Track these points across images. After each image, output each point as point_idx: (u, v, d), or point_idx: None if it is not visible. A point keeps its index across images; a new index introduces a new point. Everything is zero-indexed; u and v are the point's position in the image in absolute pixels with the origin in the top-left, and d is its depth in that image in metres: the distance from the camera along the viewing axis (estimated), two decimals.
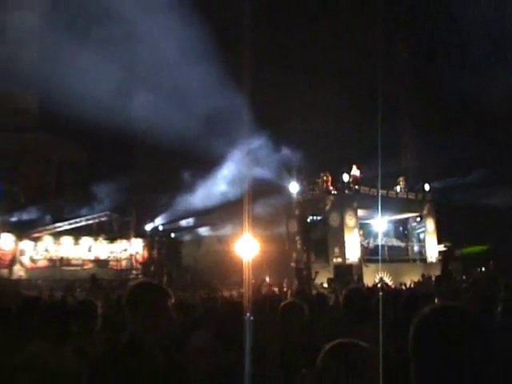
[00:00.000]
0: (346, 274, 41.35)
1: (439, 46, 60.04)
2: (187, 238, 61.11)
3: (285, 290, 33.87)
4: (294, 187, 50.28)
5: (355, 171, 47.96)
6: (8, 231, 56.94)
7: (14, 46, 63.86)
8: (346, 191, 48.05)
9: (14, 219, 59.26)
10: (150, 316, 4.66)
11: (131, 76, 57.03)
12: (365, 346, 3.65)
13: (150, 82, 58.16)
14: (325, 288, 34.38)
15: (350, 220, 47.54)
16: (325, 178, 48.65)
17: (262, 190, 46.45)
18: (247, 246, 29.43)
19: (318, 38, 57.67)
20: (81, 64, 53.05)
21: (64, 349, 6.13)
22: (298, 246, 49.51)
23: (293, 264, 48.55)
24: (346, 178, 48.11)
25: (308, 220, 49.30)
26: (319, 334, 6.64)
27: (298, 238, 49.94)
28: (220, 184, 54.87)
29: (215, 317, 5.21)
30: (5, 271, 55.87)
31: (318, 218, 49.56)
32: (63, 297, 20.00)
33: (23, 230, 57.51)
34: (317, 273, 39.35)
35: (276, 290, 34.48)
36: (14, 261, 56.66)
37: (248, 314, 6.24)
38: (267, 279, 39.59)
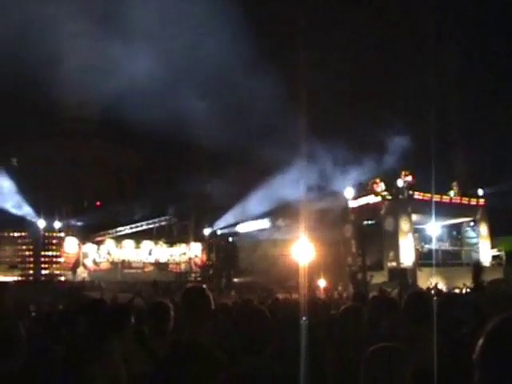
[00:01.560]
0: (400, 277, 41.58)
1: (492, 47, 59.79)
2: (244, 242, 61.56)
3: (340, 293, 34.62)
4: (349, 192, 50.55)
5: (408, 177, 48.18)
6: (72, 235, 58.44)
7: (74, 56, 65.39)
8: (401, 196, 48.26)
9: (77, 223, 60.60)
10: (202, 319, 5.06)
11: (189, 83, 57.94)
12: (406, 350, 3.79)
13: (208, 89, 58.99)
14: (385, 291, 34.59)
15: (404, 225, 47.73)
16: (379, 183, 48.92)
17: (317, 194, 46.96)
18: (303, 250, 30.09)
19: (369, 47, 58.12)
20: (138, 72, 54.14)
21: (136, 349, 6.32)
22: (353, 250, 49.90)
23: (348, 268, 48.99)
24: (400, 183, 48.29)
25: (363, 224, 49.68)
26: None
27: (353, 242, 50.28)
28: (276, 189, 55.21)
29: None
30: (69, 273, 57.38)
31: (373, 222, 49.79)
32: (132, 299, 20.79)
33: (86, 234, 58.93)
34: (372, 276, 39.80)
35: (331, 293, 35.20)
36: (77, 263, 58.14)
37: (304, 318, 6.65)
38: (322, 283, 40.05)
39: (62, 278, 55.58)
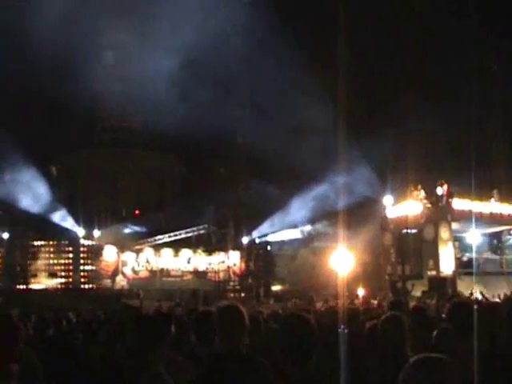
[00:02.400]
0: (440, 286, 41.24)
1: None
2: (283, 250, 61.52)
3: (379, 302, 34.40)
4: (388, 200, 50.29)
5: (444, 186, 47.74)
6: (111, 243, 58.83)
7: (115, 67, 66.02)
8: (440, 204, 47.88)
9: (116, 232, 61.02)
10: (235, 336, 5.05)
11: (229, 91, 58.18)
12: (450, 361, 3.63)
13: (247, 97, 59.17)
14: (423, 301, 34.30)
15: (444, 233, 47.33)
16: (419, 190, 48.58)
17: (356, 203, 46.77)
18: (342, 259, 29.98)
19: (409, 49, 57.81)
20: (179, 82, 54.48)
21: (180, 357, 6.25)
22: (393, 259, 49.59)
23: (387, 277, 48.72)
24: (439, 191, 47.93)
25: (402, 233, 49.38)
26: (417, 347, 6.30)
27: (392, 250, 49.99)
28: (315, 197, 55.12)
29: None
30: (108, 281, 57.76)
31: (413, 230, 49.45)
32: (173, 307, 20.82)
33: (125, 242, 59.29)
34: (413, 285, 39.55)
35: (370, 302, 35.00)
36: (116, 271, 58.48)
37: (342, 327, 6.44)
38: (361, 292, 39.83)
39: (101, 286, 55.89)
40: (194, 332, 6.83)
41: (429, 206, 48.05)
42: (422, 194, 48.56)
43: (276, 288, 58.25)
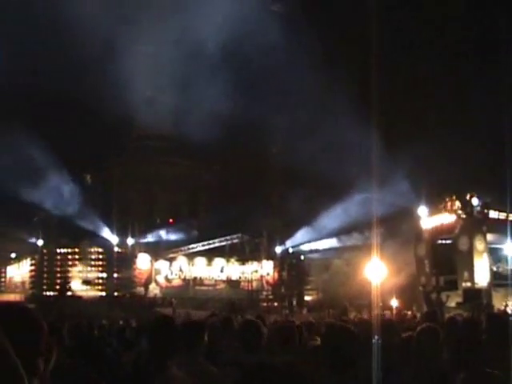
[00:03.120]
0: (475, 298, 40.88)
1: None
2: (316, 260, 61.36)
3: (413, 313, 34.14)
4: (422, 211, 50.00)
5: (473, 198, 47.30)
6: (144, 251, 59.09)
7: (152, 75, 66.32)
8: (476, 215, 47.49)
9: (150, 240, 61.28)
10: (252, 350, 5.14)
11: (265, 102, 58.22)
12: (499, 374, 3.68)
13: (284, 106, 59.17)
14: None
15: (479, 244, 46.87)
16: (454, 201, 48.26)
17: (390, 213, 46.51)
18: (375, 269, 29.79)
19: (445, 69, 57.57)
20: (215, 91, 54.66)
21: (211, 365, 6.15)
22: (427, 270, 49.24)
23: (421, 288, 48.37)
24: (475, 202, 47.56)
25: (437, 243, 49.02)
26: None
27: (426, 261, 49.64)
28: (349, 207, 54.94)
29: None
30: (141, 289, 57.95)
31: (447, 241, 49.09)
32: (209, 316, 20.66)
33: (159, 251, 59.50)
34: (448, 296, 39.26)
35: (405, 313, 34.74)
36: (149, 280, 58.67)
37: (376, 337, 6.32)
38: (395, 302, 39.60)
39: (134, 294, 56.05)
40: (238, 340, 6.75)
41: (464, 216, 47.68)
42: (457, 204, 48.21)
43: (309, 298, 58.11)
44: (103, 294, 56.29)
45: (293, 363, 4.90)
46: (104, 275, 57.85)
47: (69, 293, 55.73)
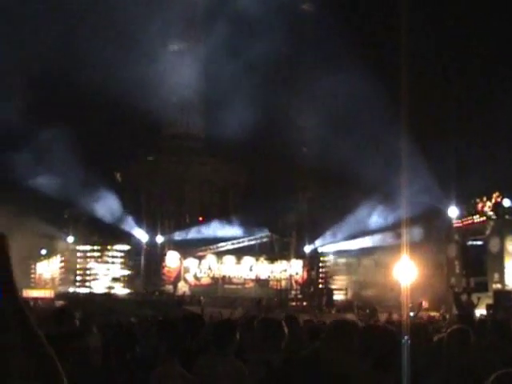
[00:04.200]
0: (505, 300, 40.45)
1: None
2: (345, 260, 61.20)
3: (442, 315, 33.89)
4: (452, 212, 49.63)
5: (498, 198, 46.87)
6: (174, 249, 59.22)
7: (183, 75, 66.54)
8: (507, 216, 47.04)
9: (179, 238, 61.44)
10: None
11: (294, 101, 58.16)
12: None
13: (313, 106, 59.04)
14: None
15: (510, 245, 46.42)
16: (485, 201, 47.84)
17: (420, 213, 46.22)
18: (405, 270, 29.61)
19: (479, 68, 57.24)
20: (244, 91, 54.73)
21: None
22: (457, 271, 48.85)
23: (451, 289, 47.97)
24: (506, 203, 47.11)
25: (467, 245, 48.62)
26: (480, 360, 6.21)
27: (456, 262, 49.25)
28: (378, 207, 54.76)
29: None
30: (170, 287, 58.10)
31: (478, 242, 48.68)
32: (244, 316, 20.68)
33: (188, 249, 59.59)
34: (479, 298, 38.85)
35: (434, 314, 34.50)
36: (178, 277, 58.77)
37: (406, 337, 6.22)
38: (424, 303, 39.32)
39: (163, 292, 56.18)
40: (261, 338, 6.64)
41: (495, 218, 47.23)
42: (488, 205, 47.77)
43: (338, 298, 57.93)
44: (132, 291, 56.53)
45: (317, 350, 5.03)
46: (133, 273, 58.10)
47: (98, 290, 56.05)
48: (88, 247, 59.61)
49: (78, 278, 58.76)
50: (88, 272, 58.71)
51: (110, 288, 56.80)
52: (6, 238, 1.82)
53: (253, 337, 6.82)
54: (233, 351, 6.27)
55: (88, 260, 59.41)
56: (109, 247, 59.23)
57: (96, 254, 59.30)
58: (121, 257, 59.15)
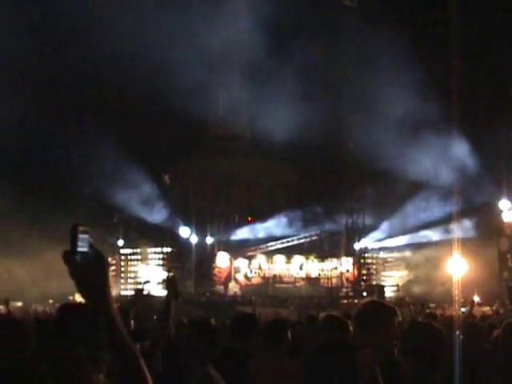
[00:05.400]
0: None
1: None
2: (395, 256, 60.92)
3: (496, 310, 33.49)
4: (504, 204, 49.11)
5: None
6: (223, 250, 59.46)
7: (228, 76, 66.82)
8: None
9: (228, 239, 61.65)
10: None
11: (340, 98, 57.97)
12: None
13: (359, 104, 58.75)
14: None
15: None
16: None
17: (471, 207, 45.86)
18: (456, 265, 29.39)
19: None
20: (291, 91, 54.80)
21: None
22: (510, 265, 48.36)
23: (504, 283, 47.45)
24: None
25: None
26: None
27: (509, 255, 48.75)
28: (427, 203, 54.37)
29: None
30: (221, 287, 58.35)
31: None
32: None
33: (238, 249, 59.80)
34: None
35: (486, 309, 34.08)
36: (229, 278, 59.02)
37: (457, 332, 6.35)
38: (477, 298, 38.93)
39: (214, 293, 56.41)
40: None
41: None
42: None
43: (389, 295, 57.61)
44: (183, 292, 56.77)
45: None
46: (183, 274, 58.40)
47: (148, 292, 56.44)
48: (138, 250, 60.08)
49: (128, 280, 59.26)
50: (137, 275, 59.12)
51: (161, 290, 57.17)
52: (106, 257, 2.27)
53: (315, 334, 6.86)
54: (286, 350, 6.27)
55: (137, 263, 59.91)
56: (158, 249, 59.64)
57: (145, 256, 59.74)
58: (170, 259, 59.46)
